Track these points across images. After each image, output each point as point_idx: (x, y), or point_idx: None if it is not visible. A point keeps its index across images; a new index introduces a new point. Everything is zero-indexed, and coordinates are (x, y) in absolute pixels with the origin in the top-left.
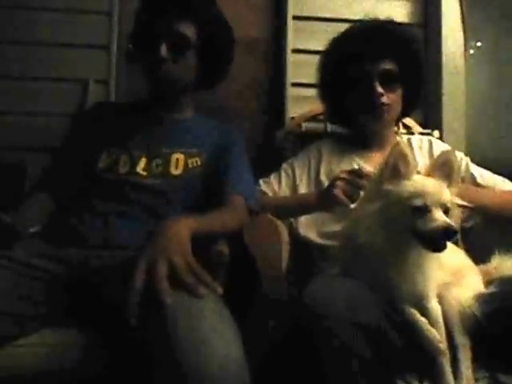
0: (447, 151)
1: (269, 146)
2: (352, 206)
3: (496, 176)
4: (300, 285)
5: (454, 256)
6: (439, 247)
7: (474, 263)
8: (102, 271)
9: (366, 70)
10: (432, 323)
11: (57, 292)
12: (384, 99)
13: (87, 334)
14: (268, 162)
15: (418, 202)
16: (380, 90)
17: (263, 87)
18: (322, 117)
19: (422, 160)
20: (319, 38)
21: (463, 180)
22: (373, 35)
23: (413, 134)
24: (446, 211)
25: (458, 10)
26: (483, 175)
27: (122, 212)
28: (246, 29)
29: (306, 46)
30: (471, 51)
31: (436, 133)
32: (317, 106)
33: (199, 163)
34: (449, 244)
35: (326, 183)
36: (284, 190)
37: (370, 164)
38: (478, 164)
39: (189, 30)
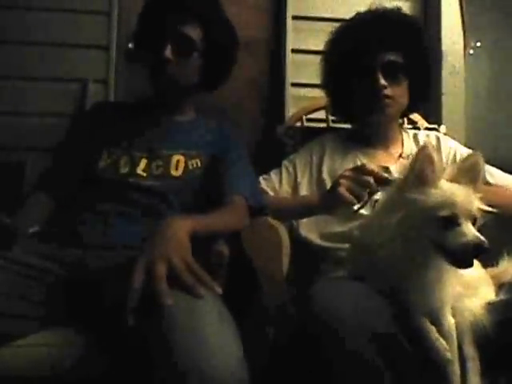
0: (474, 154)
1: (269, 145)
2: (357, 205)
3: (507, 175)
4: (300, 287)
5: None
6: (467, 264)
7: (482, 266)
8: (101, 271)
9: (369, 60)
10: (445, 337)
11: (56, 292)
12: (387, 91)
13: (86, 335)
14: (268, 160)
15: (446, 213)
16: (383, 81)
17: (263, 87)
18: (323, 111)
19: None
20: (319, 38)
21: None
22: (377, 25)
23: (419, 129)
24: (474, 222)
25: (457, 10)
26: (493, 174)
27: (122, 212)
28: (246, 29)
29: (305, 46)
30: (471, 51)
31: (443, 128)
32: (318, 103)
33: (199, 165)
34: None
35: (328, 182)
36: (284, 188)
37: (374, 162)
38: None
39: (194, 32)
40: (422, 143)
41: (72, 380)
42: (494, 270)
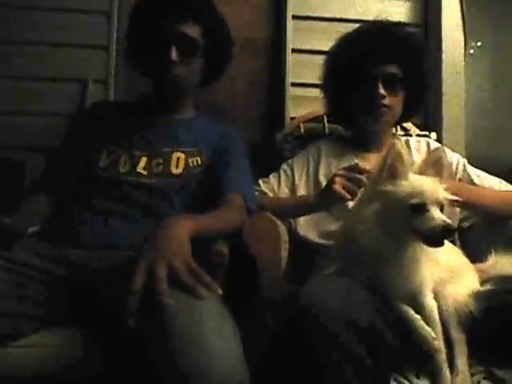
0: (437, 149)
1: (269, 146)
2: (352, 202)
3: (493, 177)
4: (299, 284)
5: (450, 254)
6: (438, 243)
7: (470, 262)
8: (101, 272)
9: (371, 71)
10: (427, 319)
11: (56, 292)
12: (385, 101)
13: (87, 335)
14: (268, 162)
15: (416, 201)
16: (382, 91)
17: (263, 87)
18: (321, 118)
19: (419, 161)
20: (319, 38)
21: (460, 181)
22: (380, 39)
23: (410, 135)
24: (442, 208)
25: (458, 10)
26: (480, 176)
27: (122, 212)
28: (246, 29)
29: (305, 46)
30: (471, 51)
31: (433, 135)
32: (316, 108)
33: (199, 162)
34: (446, 242)
35: (324, 184)
36: (283, 190)
37: (367, 164)
38: (478, 164)
39: (195, 32)
40: (412, 149)
41: (72, 380)
42: (483, 266)
